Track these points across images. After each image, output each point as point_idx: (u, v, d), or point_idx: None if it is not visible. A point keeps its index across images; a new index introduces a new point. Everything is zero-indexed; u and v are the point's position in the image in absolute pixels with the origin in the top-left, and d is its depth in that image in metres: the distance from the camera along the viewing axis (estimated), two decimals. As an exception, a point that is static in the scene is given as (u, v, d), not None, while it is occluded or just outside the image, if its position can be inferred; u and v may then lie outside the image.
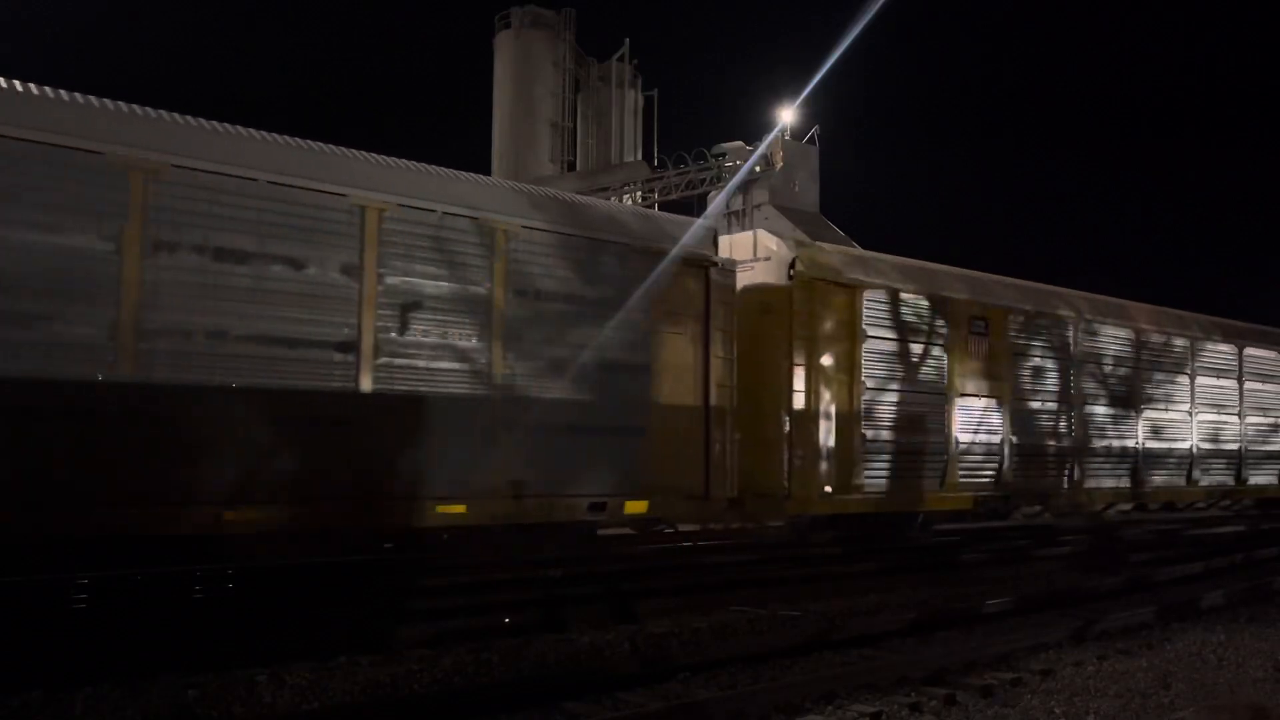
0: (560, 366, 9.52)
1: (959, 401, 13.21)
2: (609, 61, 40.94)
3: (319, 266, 8.23)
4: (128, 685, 6.87)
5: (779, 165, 35.20)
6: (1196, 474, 16.96)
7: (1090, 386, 15.24)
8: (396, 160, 9.05)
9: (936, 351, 13.08)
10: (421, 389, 8.68)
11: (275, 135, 8.44)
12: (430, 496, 8.64)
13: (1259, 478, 18.33)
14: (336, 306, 8.29)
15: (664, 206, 34.01)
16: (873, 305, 12.50)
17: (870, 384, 12.32)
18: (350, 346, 8.34)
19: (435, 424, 8.74)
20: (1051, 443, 14.57)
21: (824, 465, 11.80)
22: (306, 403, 8.08)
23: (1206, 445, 17.17)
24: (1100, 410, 15.36)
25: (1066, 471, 14.79)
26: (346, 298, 8.34)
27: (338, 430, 8.22)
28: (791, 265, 11.88)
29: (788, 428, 11.59)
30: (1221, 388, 17.57)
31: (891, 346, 12.64)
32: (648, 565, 11.82)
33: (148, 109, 7.82)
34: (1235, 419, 17.78)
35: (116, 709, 6.49)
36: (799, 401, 11.66)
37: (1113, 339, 15.74)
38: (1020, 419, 14.07)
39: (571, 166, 39.73)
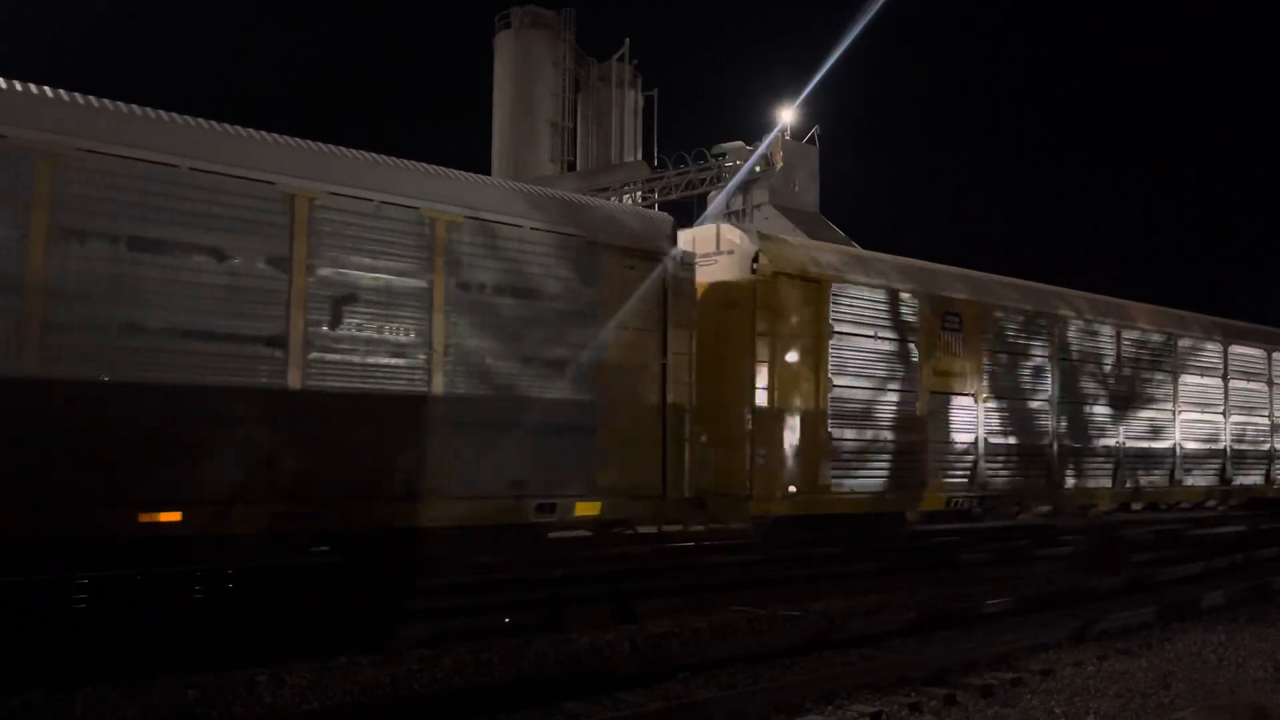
0: (505, 361, 9.16)
1: (931, 399, 12.88)
2: (609, 61, 40.98)
3: (244, 257, 7.83)
4: (128, 685, 6.86)
5: (779, 165, 35.24)
6: (1181, 474, 16.63)
7: (1070, 384, 14.89)
8: (330, 147, 8.68)
9: (908, 348, 12.73)
10: (357, 385, 8.33)
11: (200, 120, 7.99)
12: (368, 497, 8.34)
13: (1245, 478, 17.99)
14: (263, 299, 7.90)
15: (664, 206, 34.04)
16: (840, 300, 12.13)
17: (838, 381, 11.96)
18: (278, 341, 7.95)
19: (372, 422, 8.40)
20: (1029, 441, 14.21)
21: (788, 465, 11.45)
22: (231, 400, 7.71)
23: (1191, 445, 16.83)
24: (1081, 408, 15.02)
25: (1045, 471, 14.43)
26: (274, 290, 7.94)
27: (266, 428, 7.86)
28: (754, 259, 11.52)
29: (750, 426, 11.24)
30: (1206, 386, 17.23)
31: (860, 343, 12.27)
32: (648, 565, 11.82)
33: (58, 91, 7.43)
34: (1220, 418, 17.47)
35: (116, 709, 6.49)
36: (761, 399, 11.30)
37: (1095, 336, 15.41)
38: (996, 417, 13.74)
39: (571, 166, 39.75)
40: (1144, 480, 16.04)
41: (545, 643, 8.53)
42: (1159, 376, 16.39)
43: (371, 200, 8.50)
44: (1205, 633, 9.28)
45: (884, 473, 12.40)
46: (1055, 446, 14.51)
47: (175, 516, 7.42)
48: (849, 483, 12.03)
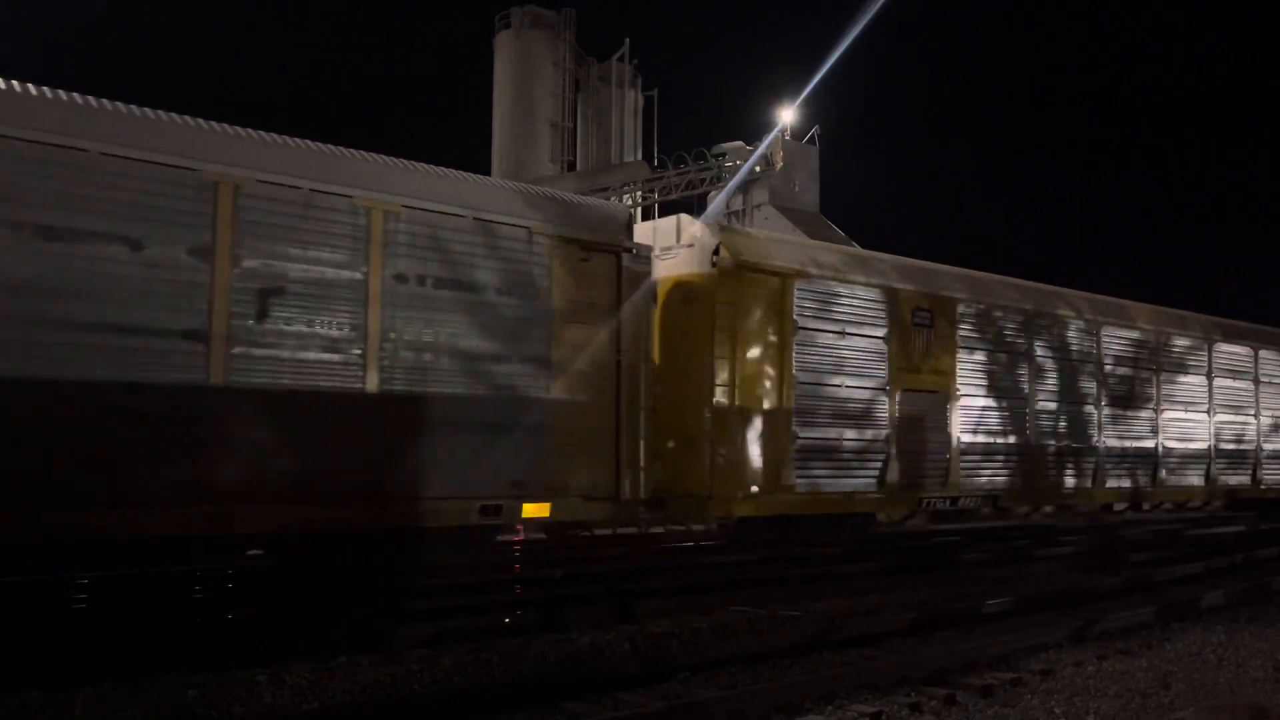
0: (447, 358, 8.82)
1: (900, 397, 12.53)
2: (609, 61, 40.95)
3: (163, 247, 7.47)
4: (128, 685, 6.87)
5: (779, 165, 35.24)
6: (1164, 473, 16.29)
7: (1048, 382, 14.54)
8: (258, 132, 8.31)
9: (876, 344, 12.40)
10: (286, 382, 7.98)
11: (117, 104, 7.65)
12: (295, 499, 7.95)
13: (1230, 477, 17.64)
14: (183, 291, 7.55)
15: (664, 206, 34.06)
16: (806, 295, 11.76)
17: (803, 378, 11.59)
18: (199, 335, 7.60)
19: (302, 420, 8.05)
20: (1004, 440, 13.85)
21: (750, 464, 11.10)
22: (147, 396, 7.36)
23: (1174, 444, 16.48)
24: (1059, 407, 14.67)
25: (1020, 471, 14.04)
26: (195, 281, 7.59)
27: (185, 426, 7.50)
28: (715, 252, 11.16)
29: (710, 425, 10.90)
30: (1189, 384, 16.93)
31: (827, 338, 11.93)
32: (648, 565, 11.82)
33: None
34: (1204, 416, 17.14)
35: (116, 709, 6.49)
36: (721, 397, 10.96)
37: (1075, 333, 15.06)
38: (969, 415, 13.38)
39: (571, 166, 39.74)
40: (1126, 480, 15.71)
41: (545, 643, 8.53)
42: (1141, 375, 16.08)
43: (301, 188, 8.15)
44: (1205, 633, 9.28)
45: (852, 473, 12.06)
46: (1033, 446, 14.19)
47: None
48: (815, 483, 11.68)
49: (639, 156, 39.58)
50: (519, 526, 10.76)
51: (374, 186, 8.58)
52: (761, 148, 35.02)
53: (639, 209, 32.71)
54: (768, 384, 11.37)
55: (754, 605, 10.26)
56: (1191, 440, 16.89)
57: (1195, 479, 17.01)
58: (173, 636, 7.56)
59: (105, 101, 7.61)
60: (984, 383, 13.65)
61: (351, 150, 8.80)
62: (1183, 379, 16.83)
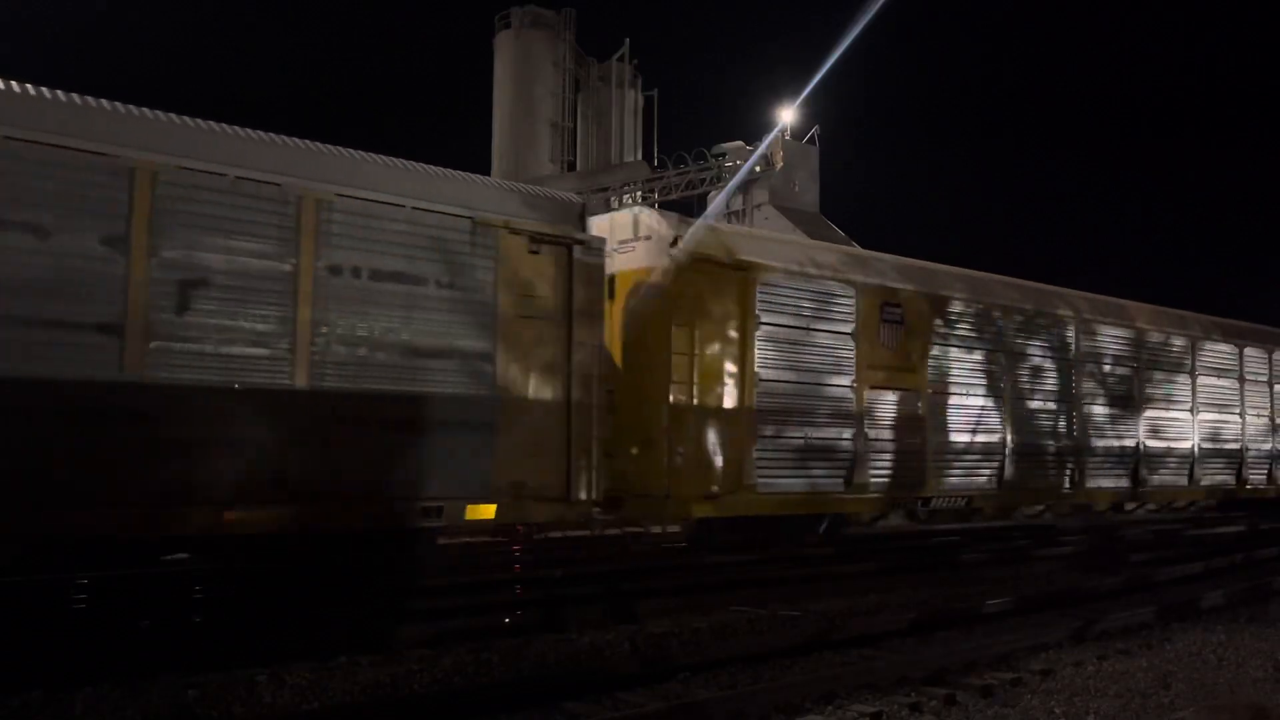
0: (384, 353, 8.42)
1: (869, 394, 12.10)
2: (609, 61, 40.97)
3: (73, 235, 7.10)
4: (128, 685, 6.87)
5: (779, 165, 35.25)
6: (1145, 474, 15.81)
7: (1024, 379, 14.12)
8: (179, 117, 7.87)
9: (844, 340, 11.98)
10: (210, 378, 7.56)
11: (26, 85, 7.29)
12: (219, 501, 7.54)
13: (1213, 477, 17.17)
14: (96, 282, 7.17)
15: (664, 206, 34.02)
16: (768, 289, 11.33)
17: (765, 375, 11.18)
18: (114, 328, 7.21)
19: (225, 417, 7.64)
20: (978, 439, 13.41)
21: (709, 464, 10.70)
22: (57, 391, 7.01)
23: (1155, 444, 16.03)
24: (1036, 405, 14.24)
25: (996, 471, 13.58)
26: (109, 273, 7.21)
27: (97, 424, 7.13)
28: (672, 244, 10.79)
29: (667, 423, 10.51)
30: (1173, 382, 16.50)
31: (791, 334, 11.50)
32: (648, 565, 11.82)
33: None
34: (1188, 415, 16.70)
35: (116, 709, 6.49)
36: (679, 394, 10.58)
37: (1053, 329, 14.62)
38: (941, 414, 12.94)
39: (571, 166, 39.75)
40: (1106, 481, 15.27)
41: (545, 643, 8.53)
42: (1122, 372, 15.67)
43: (226, 175, 7.76)
44: (1205, 633, 9.28)
45: (819, 473, 11.66)
46: (1009, 445, 13.74)
47: None
48: (779, 483, 11.25)
49: (639, 156, 39.60)
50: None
51: (305, 174, 8.17)
52: (761, 148, 35.03)
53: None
54: (729, 381, 11.00)
55: (754, 605, 10.26)
56: (1173, 440, 16.50)
57: (1178, 478, 16.58)
58: (173, 636, 7.56)
59: (14, 83, 7.28)
60: (959, 380, 13.25)
61: (281, 136, 8.36)
62: (1164, 377, 16.43)
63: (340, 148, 8.66)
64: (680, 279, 10.75)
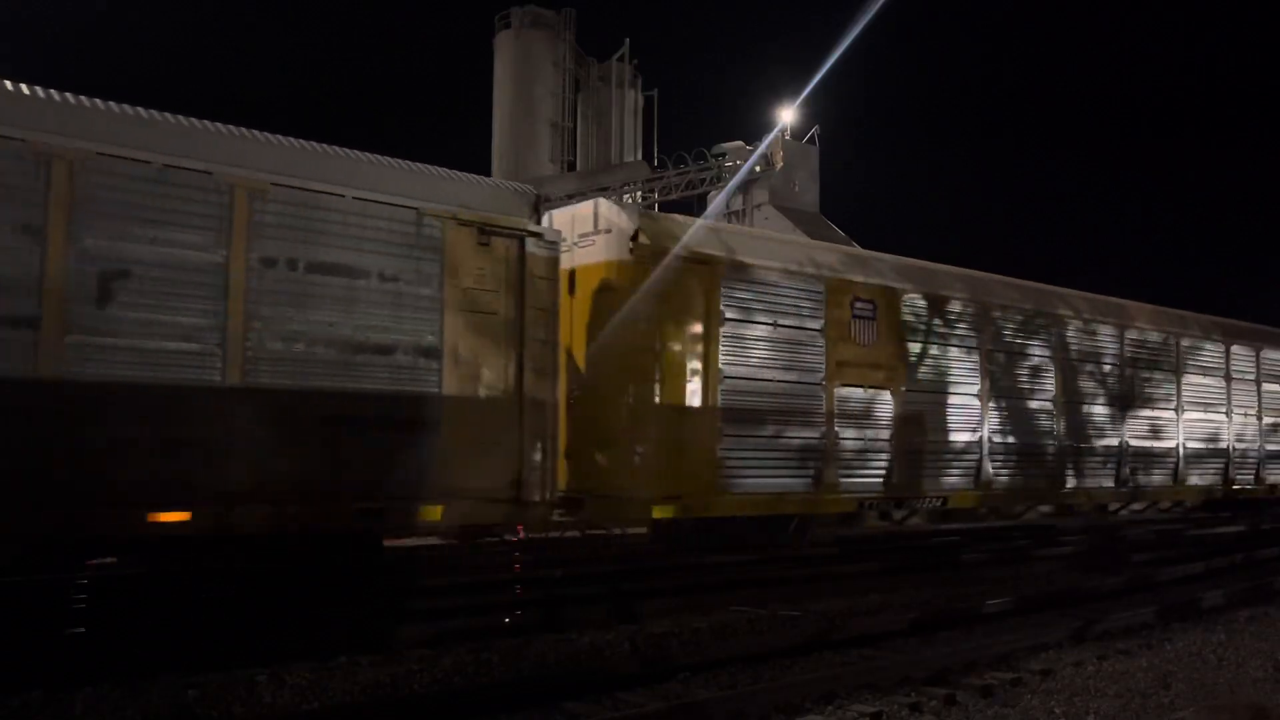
0: (323, 349, 8.10)
1: (839, 392, 11.80)
2: (609, 61, 40.96)
3: None
4: (128, 685, 6.87)
5: (779, 165, 35.26)
6: (1128, 474, 15.45)
7: (1001, 377, 13.76)
8: (103, 103, 7.55)
9: (813, 336, 11.68)
10: (133, 375, 7.25)
11: None
12: (142, 503, 7.24)
13: (1200, 477, 16.85)
14: (10, 273, 6.88)
15: (664, 206, 34.02)
16: (734, 284, 11.06)
17: (730, 372, 10.90)
18: (28, 322, 6.92)
19: (151, 414, 7.34)
20: (953, 439, 13.06)
21: (671, 464, 10.39)
22: None
23: (1140, 443, 15.68)
24: (1013, 403, 13.91)
25: (971, 471, 13.24)
26: (24, 264, 6.92)
27: (9, 422, 6.85)
28: (633, 237, 10.48)
29: (627, 422, 10.28)
30: (1159, 382, 16.17)
31: (757, 330, 11.20)
32: (648, 565, 11.82)
33: None
34: (1172, 414, 16.35)
35: (116, 709, 6.50)
36: (639, 392, 10.31)
37: (1032, 327, 14.26)
38: (914, 412, 12.58)
39: (572, 166, 39.75)
40: (1088, 481, 14.92)
41: (545, 643, 8.54)
42: (1105, 370, 15.33)
43: (152, 163, 7.43)
44: (1205, 633, 9.28)
45: (786, 473, 11.35)
46: (986, 444, 13.45)
47: None
48: (744, 483, 10.98)
49: (639, 156, 39.59)
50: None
51: (238, 162, 7.84)
52: (761, 148, 35.04)
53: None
54: (692, 378, 10.70)
55: (754, 605, 10.26)
56: (1157, 439, 16.12)
57: (1163, 478, 16.23)
58: (173, 636, 7.55)
59: None
60: (932, 379, 12.92)
61: (213, 123, 7.99)
62: (1150, 376, 16.09)
63: (277, 135, 8.31)
64: (640, 273, 10.46)
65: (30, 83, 7.27)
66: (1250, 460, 18.00)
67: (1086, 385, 15.11)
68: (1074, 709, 6.77)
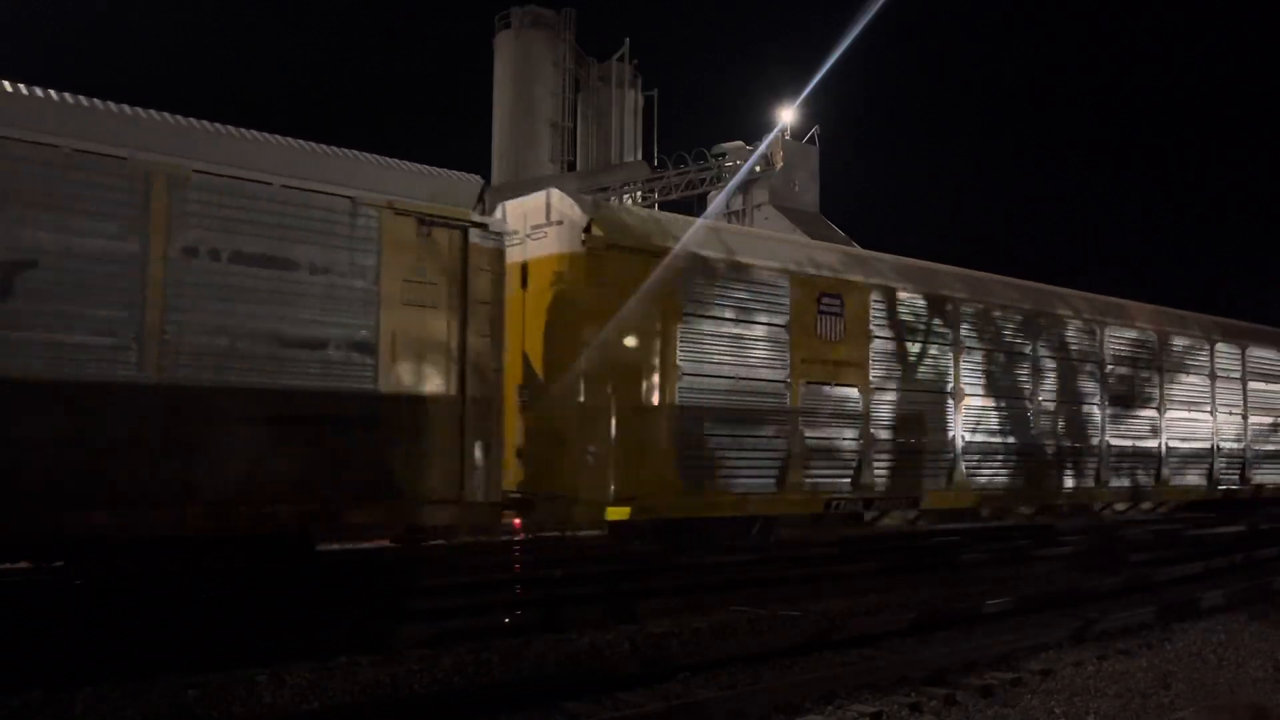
0: (248, 344, 7.78)
1: (805, 390, 11.52)
2: (609, 61, 41.00)
3: None
4: (128, 685, 6.86)
5: (779, 165, 35.29)
6: (1107, 474, 15.22)
7: (977, 374, 13.51)
8: (10, 85, 7.20)
9: (776, 333, 11.39)
10: (37, 370, 6.92)
11: None
12: (56, 504, 6.98)
13: (1183, 478, 16.59)
14: None
15: (664, 206, 34.07)
16: (693, 278, 10.71)
17: (688, 369, 10.56)
18: None
19: (61, 411, 7.02)
20: (926, 439, 12.81)
21: (624, 464, 10.06)
22: None
23: (1119, 442, 15.43)
24: (990, 402, 13.63)
25: (945, 470, 12.99)
26: None
27: None
28: (586, 229, 10.15)
29: (578, 420, 9.96)
30: (1139, 379, 15.92)
31: (716, 326, 10.89)
32: (648, 565, 11.82)
33: None
34: (1155, 413, 16.12)
35: (116, 709, 6.49)
36: (591, 389, 9.97)
37: (1006, 322, 13.98)
38: (886, 410, 12.36)
39: (571, 166, 39.77)
40: (1067, 481, 14.70)
41: (545, 643, 8.53)
42: (1084, 368, 15.06)
43: (60, 148, 7.07)
44: (1205, 633, 9.28)
45: (747, 473, 11.06)
46: (960, 444, 13.24)
47: None
48: (702, 483, 10.70)
49: (639, 156, 39.63)
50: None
51: (156, 148, 7.48)
52: (761, 148, 35.06)
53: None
54: (647, 375, 10.37)
55: (754, 605, 10.25)
56: (1139, 439, 15.94)
57: (1144, 479, 16.02)
58: (173, 636, 7.55)
59: None
60: (902, 376, 12.66)
61: (131, 107, 7.63)
62: (1130, 374, 15.85)
63: (200, 120, 7.92)
64: (594, 267, 10.14)
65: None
66: (1235, 460, 17.75)
67: (1064, 383, 14.86)
68: (1074, 709, 6.77)
